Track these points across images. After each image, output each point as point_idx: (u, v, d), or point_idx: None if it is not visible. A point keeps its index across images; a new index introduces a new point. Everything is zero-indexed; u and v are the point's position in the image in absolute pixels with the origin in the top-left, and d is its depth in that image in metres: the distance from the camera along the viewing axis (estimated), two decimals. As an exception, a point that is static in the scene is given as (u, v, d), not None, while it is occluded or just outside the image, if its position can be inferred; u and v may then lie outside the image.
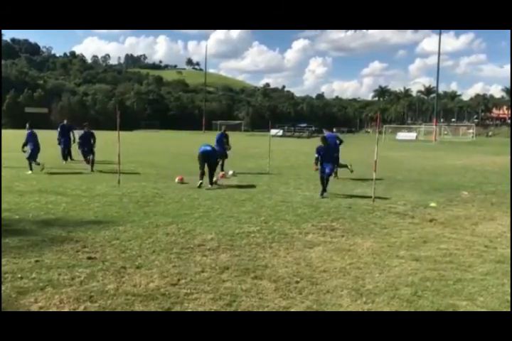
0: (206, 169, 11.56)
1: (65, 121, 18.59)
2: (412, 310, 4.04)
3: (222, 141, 14.86)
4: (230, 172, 14.26)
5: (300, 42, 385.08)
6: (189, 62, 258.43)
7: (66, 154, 17.81)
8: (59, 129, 18.06)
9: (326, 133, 13.60)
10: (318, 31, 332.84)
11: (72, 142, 18.07)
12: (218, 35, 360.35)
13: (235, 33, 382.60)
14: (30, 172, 13.65)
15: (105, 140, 31.48)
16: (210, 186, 11.33)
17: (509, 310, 4.05)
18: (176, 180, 12.18)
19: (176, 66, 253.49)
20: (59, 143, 17.88)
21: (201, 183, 11.29)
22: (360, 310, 4.01)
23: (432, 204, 9.51)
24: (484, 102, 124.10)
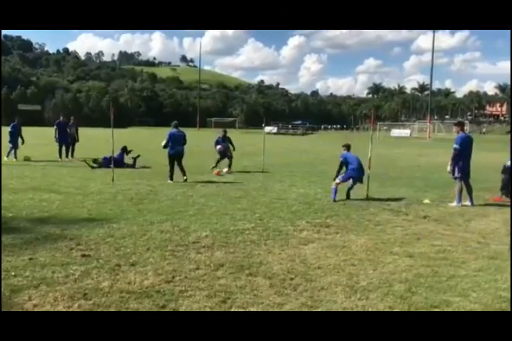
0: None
1: (61, 118, 18.43)
2: (406, 306, 4.06)
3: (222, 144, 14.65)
4: (225, 170, 14.25)
5: (296, 39, 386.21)
6: (183, 58, 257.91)
7: (65, 151, 17.74)
8: (55, 126, 17.90)
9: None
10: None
11: (76, 139, 18.15)
12: (214, 32, 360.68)
13: (230, 30, 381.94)
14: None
15: (99, 137, 31.41)
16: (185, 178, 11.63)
17: (503, 306, 4.08)
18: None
19: (170, 63, 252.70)
20: (56, 141, 17.76)
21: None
22: (355, 308, 4.02)
23: (426, 201, 9.55)
24: (477, 99, 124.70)
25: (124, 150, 15.58)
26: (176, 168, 11.98)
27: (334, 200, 9.29)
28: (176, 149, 11.80)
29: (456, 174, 9.31)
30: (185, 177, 11.66)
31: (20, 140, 17.15)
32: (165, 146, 11.93)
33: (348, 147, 9.94)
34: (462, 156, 9.25)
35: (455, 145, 9.27)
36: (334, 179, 9.66)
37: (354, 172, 9.55)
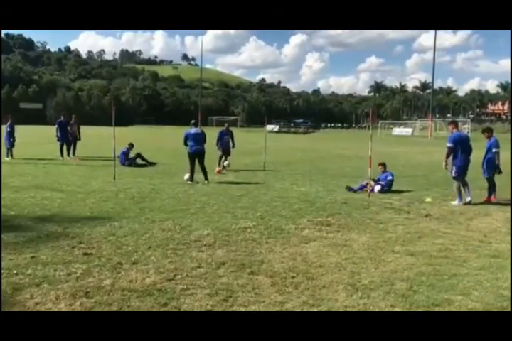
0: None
1: (62, 117, 18.49)
2: (408, 304, 4.05)
3: (223, 138, 14.99)
4: (226, 163, 14.54)
5: (298, 37, 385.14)
6: (185, 57, 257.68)
7: (67, 150, 17.81)
8: (56, 126, 17.98)
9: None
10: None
11: (77, 137, 18.26)
12: (215, 30, 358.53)
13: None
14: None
15: (100, 136, 31.39)
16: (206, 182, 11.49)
17: (505, 304, 4.08)
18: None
19: (171, 61, 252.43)
20: (58, 140, 17.84)
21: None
22: (356, 306, 4.02)
23: (428, 200, 9.54)
24: (479, 98, 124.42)
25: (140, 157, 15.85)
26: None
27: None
28: (194, 148, 11.74)
29: (453, 173, 9.35)
30: (206, 181, 11.50)
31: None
32: (185, 145, 11.98)
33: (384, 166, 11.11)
34: (459, 154, 9.28)
35: (448, 144, 9.36)
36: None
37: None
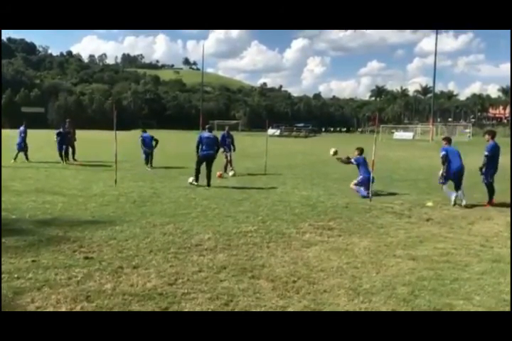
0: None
1: (62, 130, 18.20)
2: (409, 309, 4.05)
3: (226, 141, 15.07)
4: (231, 173, 14.48)
5: (299, 41, 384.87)
6: (186, 61, 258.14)
7: (65, 154, 17.83)
8: (58, 137, 17.73)
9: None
10: (317, 31, 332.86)
11: (73, 141, 18.32)
12: (218, 34, 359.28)
13: (234, 33, 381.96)
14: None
15: (101, 140, 31.49)
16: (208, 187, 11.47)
17: (507, 309, 4.06)
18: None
19: (172, 65, 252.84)
20: (57, 144, 17.88)
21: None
22: (358, 310, 4.01)
23: (429, 204, 9.54)
24: (480, 102, 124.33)
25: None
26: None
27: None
28: (205, 152, 11.81)
29: (443, 180, 9.82)
30: (207, 187, 11.45)
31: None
32: (197, 149, 11.97)
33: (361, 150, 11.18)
34: (448, 161, 9.80)
35: (442, 152, 10.01)
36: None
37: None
